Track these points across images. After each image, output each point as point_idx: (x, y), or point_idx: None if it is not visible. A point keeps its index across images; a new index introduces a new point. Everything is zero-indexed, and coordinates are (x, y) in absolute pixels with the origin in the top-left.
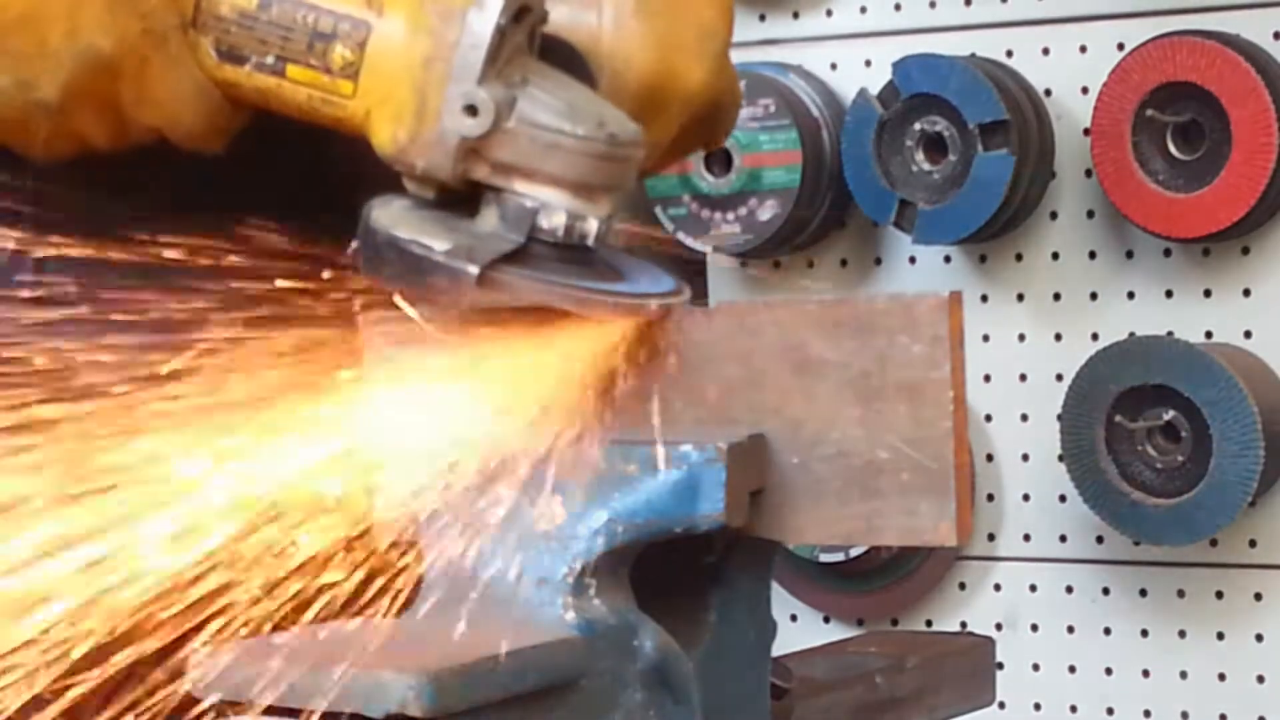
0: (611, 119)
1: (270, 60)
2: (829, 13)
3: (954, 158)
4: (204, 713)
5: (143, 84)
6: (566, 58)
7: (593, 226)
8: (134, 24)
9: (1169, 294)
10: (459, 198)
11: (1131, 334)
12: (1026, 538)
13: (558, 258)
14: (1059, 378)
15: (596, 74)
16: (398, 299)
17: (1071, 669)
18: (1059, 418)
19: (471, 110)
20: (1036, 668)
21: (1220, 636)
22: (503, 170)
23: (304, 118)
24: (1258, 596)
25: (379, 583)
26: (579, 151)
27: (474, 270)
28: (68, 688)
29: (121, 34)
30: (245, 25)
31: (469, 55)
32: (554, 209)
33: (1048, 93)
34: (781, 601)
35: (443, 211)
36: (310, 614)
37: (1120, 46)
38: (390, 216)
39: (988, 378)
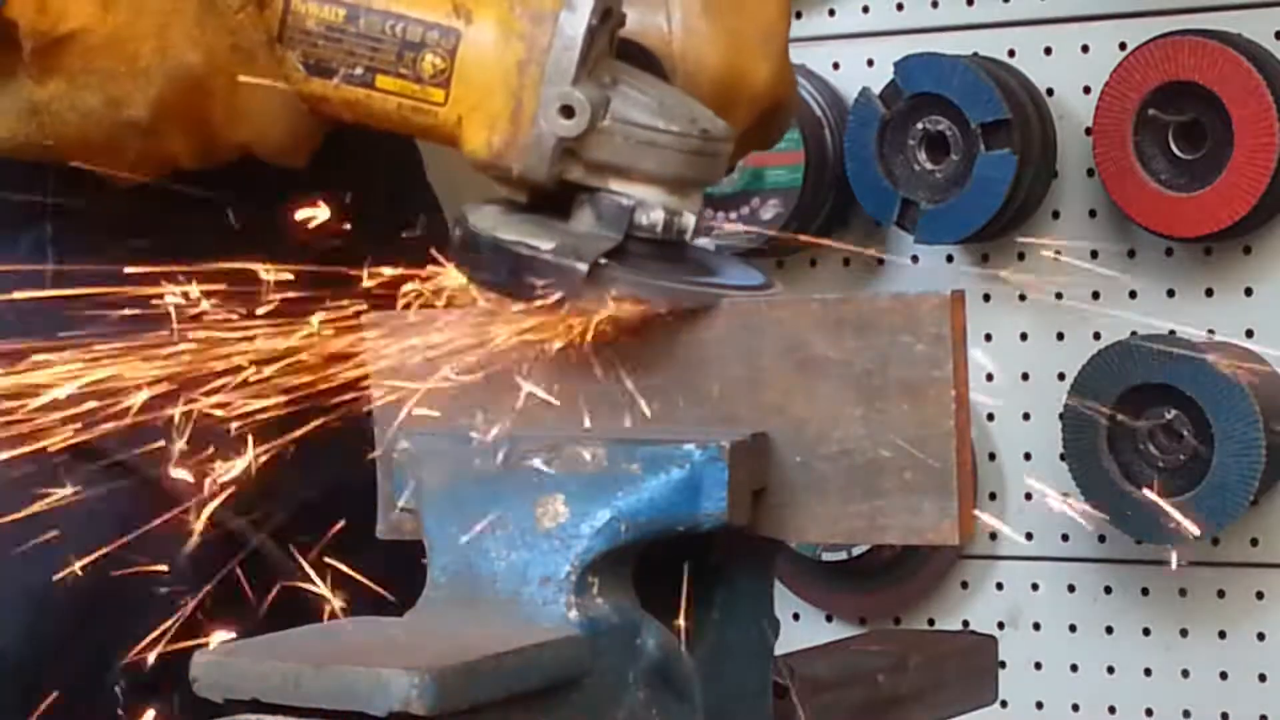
0: (702, 115)
1: (359, 72)
2: (831, 12)
3: (956, 157)
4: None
5: (232, 100)
6: (643, 61)
7: (690, 221)
8: (223, 40)
9: (1171, 293)
10: (549, 202)
11: (1133, 333)
12: (1029, 537)
13: (654, 255)
14: (1061, 377)
15: (670, 75)
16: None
17: (1074, 668)
18: (1061, 417)
19: (568, 111)
20: (1039, 666)
21: (1222, 635)
22: (598, 170)
23: (393, 128)
24: (1259, 595)
25: None
26: (674, 148)
27: (583, 268)
28: None
29: (210, 50)
30: (333, 38)
31: (563, 57)
32: (651, 206)
33: (1050, 92)
34: (784, 600)
35: (537, 214)
36: None
37: (1122, 46)
38: (489, 220)
39: (990, 377)
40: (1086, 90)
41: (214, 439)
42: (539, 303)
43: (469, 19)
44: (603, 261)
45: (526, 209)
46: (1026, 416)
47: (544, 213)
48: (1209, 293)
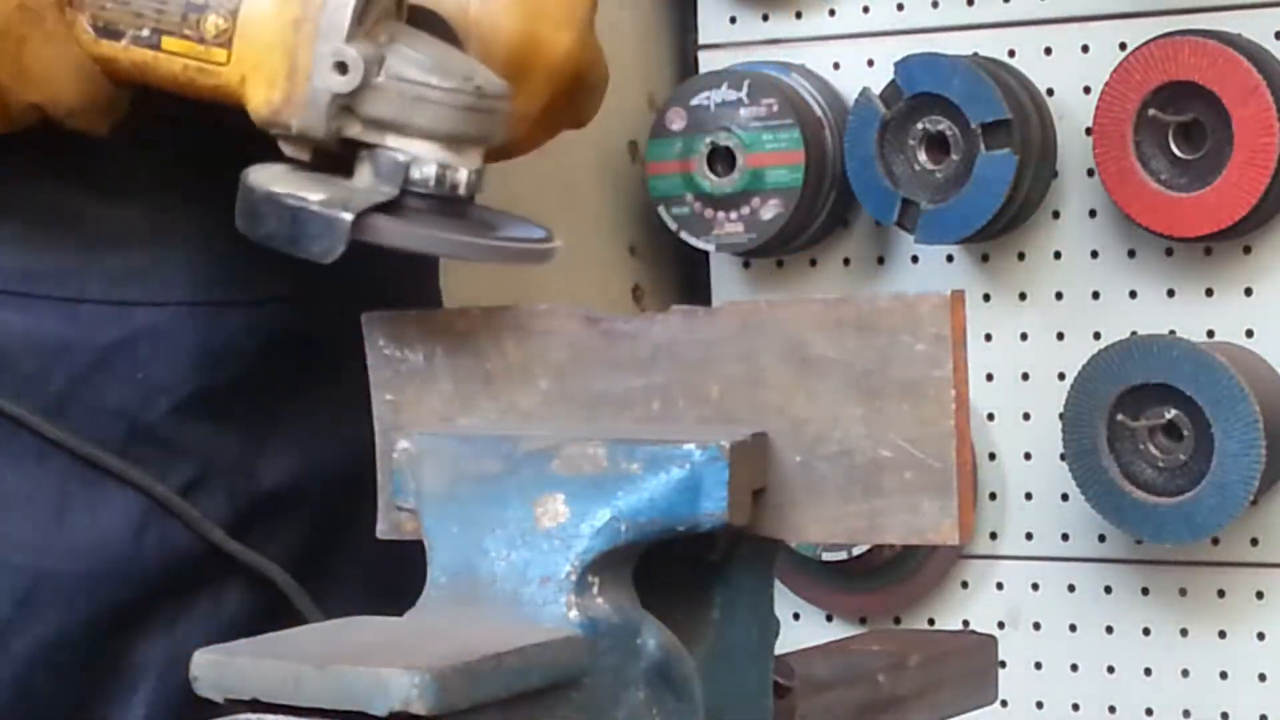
0: (478, 73)
1: (145, 33)
2: (831, 12)
3: (956, 157)
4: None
5: (20, 61)
6: (434, 27)
7: (463, 176)
8: (9, 2)
9: (1171, 293)
10: (337, 161)
11: (1133, 333)
12: (1029, 536)
13: (432, 210)
14: (1061, 376)
15: (464, 42)
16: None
17: (1074, 667)
18: (1061, 416)
19: (341, 67)
20: (1039, 666)
21: (1222, 635)
22: (375, 126)
23: (181, 90)
24: (1259, 595)
25: None
26: (447, 104)
27: (348, 218)
28: None
29: None
30: (120, 1)
31: (335, 15)
32: (424, 161)
33: (1050, 92)
34: (784, 600)
35: (321, 173)
36: None
37: (1122, 46)
38: (268, 175)
39: (990, 376)
40: (1086, 90)
41: (155, 410)
42: (310, 257)
43: None
44: (369, 213)
45: (316, 168)
46: (1026, 416)
47: (332, 172)
48: (1209, 293)
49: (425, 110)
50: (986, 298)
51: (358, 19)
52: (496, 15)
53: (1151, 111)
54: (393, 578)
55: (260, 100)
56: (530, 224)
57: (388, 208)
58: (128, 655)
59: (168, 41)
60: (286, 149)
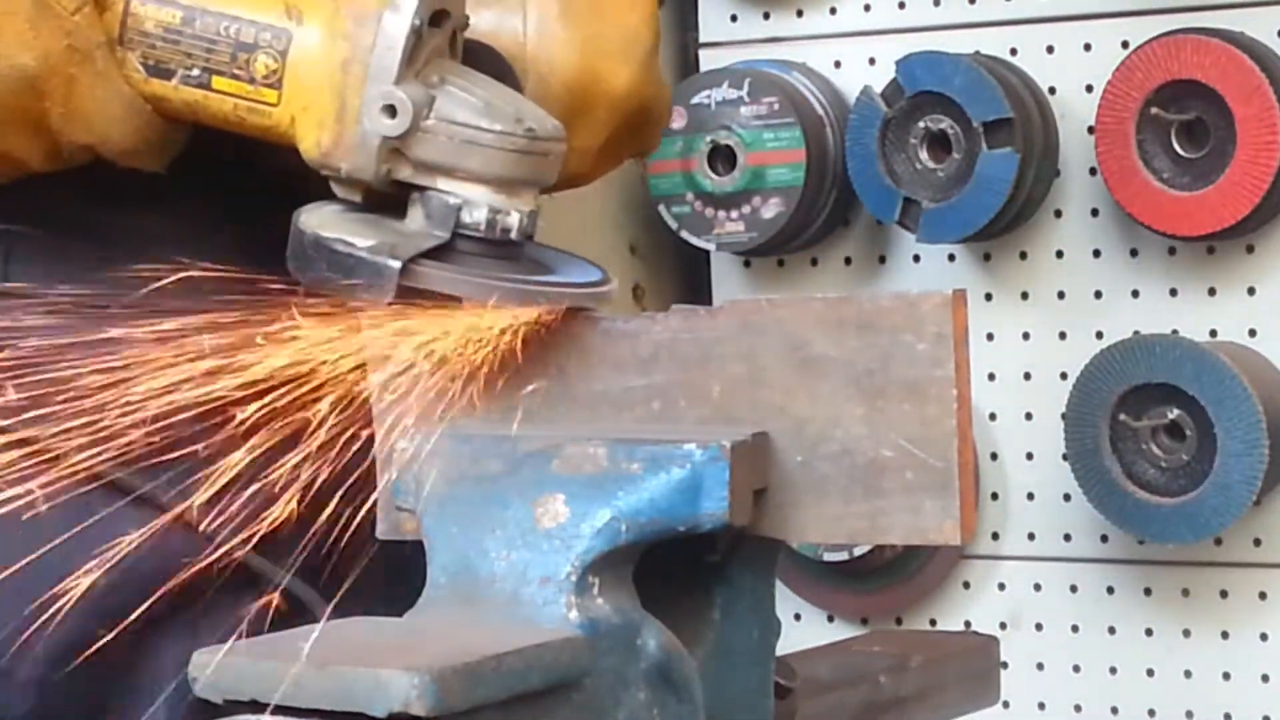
0: (529, 115)
1: (196, 73)
2: (833, 10)
3: (958, 156)
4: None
5: (70, 101)
6: (491, 62)
7: (514, 220)
8: (58, 41)
9: (1173, 292)
10: (390, 200)
11: (1136, 332)
12: (1031, 537)
13: (484, 253)
14: (1063, 376)
15: (521, 78)
16: None
17: (1076, 668)
18: (1063, 416)
19: (390, 110)
20: (1041, 667)
21: (1225, 635)
22: (425, 169)
23: (232, 128)
24: (1262, 595)
25: None
26: (497, 147)
27: (395, 265)
28: None
29: (45, 52)
30: (170, 40)
31: (385, 57)
32: (476, 204)
33: (1052, 91)
34: (785, 600)
35: (372, 214)
36: None
37: (1125, 44)
38: (318, 218)
39: (992, 376)
40: (1089, 89)
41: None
42: (359, 302)
43: (300, 20)
44: (417, 259)
45: (369, 209)
46: (1028, 416)
47: (385, 212)
48: (1211, 292)
49: (476, 154)
50: (988, 297)
51: (407, 60)
52: (554, 51)
53: (1154, 110)
54: (406, 584)
55: (310, 142)
56: (586, 264)
57: (438, 251)
58: (146, 664)
59: (218, 81)
60: (338, 190)
